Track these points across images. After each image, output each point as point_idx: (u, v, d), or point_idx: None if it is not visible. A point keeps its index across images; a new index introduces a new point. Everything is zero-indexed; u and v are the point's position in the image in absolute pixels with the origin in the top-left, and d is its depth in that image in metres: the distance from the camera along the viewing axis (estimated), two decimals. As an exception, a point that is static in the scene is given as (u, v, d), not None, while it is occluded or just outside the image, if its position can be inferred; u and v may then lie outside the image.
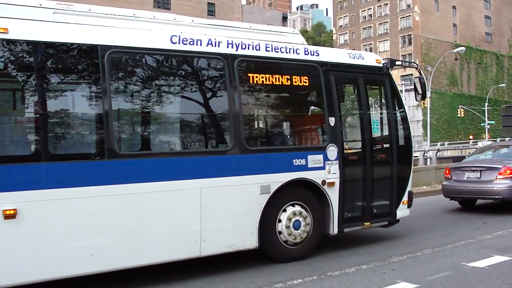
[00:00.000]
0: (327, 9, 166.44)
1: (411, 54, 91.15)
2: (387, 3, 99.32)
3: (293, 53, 8.64)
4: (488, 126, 71.31)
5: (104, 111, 6.77)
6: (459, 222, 11.99)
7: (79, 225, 6.46)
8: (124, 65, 7.35)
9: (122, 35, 7.18)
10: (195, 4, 63.97)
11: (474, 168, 13.91)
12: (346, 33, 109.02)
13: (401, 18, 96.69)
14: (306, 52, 8.80)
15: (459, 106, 77.45)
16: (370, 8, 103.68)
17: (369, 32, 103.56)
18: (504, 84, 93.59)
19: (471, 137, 75.51)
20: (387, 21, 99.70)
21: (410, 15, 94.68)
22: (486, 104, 75.37)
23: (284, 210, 8.27)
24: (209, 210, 7.42)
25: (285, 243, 8.26)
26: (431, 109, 71.49)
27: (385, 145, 9.92)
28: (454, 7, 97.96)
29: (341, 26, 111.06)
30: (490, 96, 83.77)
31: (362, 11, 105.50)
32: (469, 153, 31.44)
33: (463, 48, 58.10)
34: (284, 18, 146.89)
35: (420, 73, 10.58)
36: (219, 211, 7.55)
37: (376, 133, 9.87)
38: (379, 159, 9.73)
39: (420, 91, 10.17)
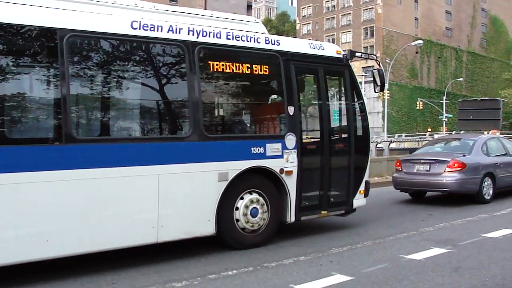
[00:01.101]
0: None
1: (373, 46, 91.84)
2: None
3: (254, 42, 8.66)
4: (446, 119, 72.44)
5: (62, 95, 6.67)
6: (406, 213, 12.10)
7: (35, 209, 6.38)
8: (83, 49, 7.23)
9: (81, 19, 7.04)
10: (157, -11, 63.06)
11: (423, 161, 14.23)
12: (310, 23, 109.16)
13: (364, 10, 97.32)
14: (267, 41, 8.84)
15: (418, 98, 78.37)
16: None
17: (332, 23, 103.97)
18: (462, 79, 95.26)
19: (429, 129, 76.60)
20: (350, 13, 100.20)
21: (372, 8, 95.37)
22: (444, 97, 76.54)
23: (242, 198, 8.32)
24: (167, 196, 7.41)
25: (243, 230, 8.32)
26: (391, 101, 72.38)
27: (343, 135, 10.05)
28: (416, 1, 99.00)
29: (304, 16, 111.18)
30: (448, 89, 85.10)
31: (326, 2, 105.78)
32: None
33: (421, 41, 58.83)
34: (249, 7, 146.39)
35: (379, 65, 10.68)
36: (177, 197, 7.55)
37: (334, 123, 10.08)
38: (337, 149, 9.85)
39: (379, 83, 10.36)
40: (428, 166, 13.99)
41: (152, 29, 7.57)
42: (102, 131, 7.44)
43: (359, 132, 10.07)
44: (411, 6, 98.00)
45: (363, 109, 10.22)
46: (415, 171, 14.26)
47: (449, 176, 13.52)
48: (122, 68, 7.64)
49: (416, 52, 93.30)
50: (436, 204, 13.76)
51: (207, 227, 7.86)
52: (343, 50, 10.04)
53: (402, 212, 12.38)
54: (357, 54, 10.24)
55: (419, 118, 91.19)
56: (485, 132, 41.85)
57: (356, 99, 10.06)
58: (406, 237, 9.28)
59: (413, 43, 57.35)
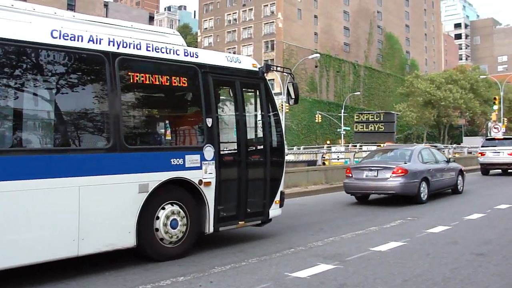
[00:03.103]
0: (195, 11, 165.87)
1: (273, 59, 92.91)
2: (252, 9, 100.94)
3: (173, 53, 8.75)
4: (344, 132, 74.09)
5: None
6: (296, 228, 11.70)
7: None
8: (0, 58, 6.93)
9: None
10: (53, -3, 61.13)
11: (372, 168, 16.20)
12: (211, 36, 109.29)
13: (265, 24, 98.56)
14: (186, 54, 8.97)
15: (317, 112, 79.84)
16: (235, 13, 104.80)
17: (233, 36, 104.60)
18: (359, 93, 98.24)
19: (328, 142, 78.09)
20: (251, 26, 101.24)
21: (273, 22, 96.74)
22: (343, 110, 78.36)
23: (162, 209, 8.36)
24: (88, 208, 7.29)
25: (163, 242, 8.35)
26: (291, 114, 73.26)
27: (259, 147, 10.24)
28: (315, 17, 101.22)
29: (206, 28, 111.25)
30: (346, 103, 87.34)
31: (228, 15, 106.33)
32: (323, 157, 32.57)
33: (318, 55, 60.12)
34: (151, 18, 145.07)
35: (293, 78, 10.96)
36: (97, 209, 7.45)
37: (251, 135, 10.26)
38: (254, 160, 10.04)
39: (293, 96, 10.71)
40: (376, 172, 15.94)
41: (72, 38, 7.48)
42: (20, 142, 7.14)
43: (275, 144, 10.36)
44: (310, 21, 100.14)
45: (278, 121, 10.54)
46: (364, 176, 16.13)
47: (394, 181, 15.55)
48: (41, 78, 7.40)
49: (316, 66, 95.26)
50: (328, 218, 13.56)
51: (127, 239, 7.81)
52: (259, 64, 10.27)
53: (292, 226, 11.89)
54: (272, 67, 10.58)
55: (318, 131, 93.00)
56: (382, 145, 43.16)
57: (271, 112, 10.31)
58: (294, 253, 8.99)
59: (310, 57, 58.32)
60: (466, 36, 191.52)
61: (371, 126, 45.50)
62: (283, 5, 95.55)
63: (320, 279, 7.14)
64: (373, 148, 41.93)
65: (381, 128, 44.99)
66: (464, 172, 20.12)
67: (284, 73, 11.46)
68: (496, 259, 8.37)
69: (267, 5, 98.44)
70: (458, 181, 19.13)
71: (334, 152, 43.41)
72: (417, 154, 16.92)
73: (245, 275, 7.44)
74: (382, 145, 43.41)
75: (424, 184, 16.24)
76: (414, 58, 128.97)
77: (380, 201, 17.13)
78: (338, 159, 38.27)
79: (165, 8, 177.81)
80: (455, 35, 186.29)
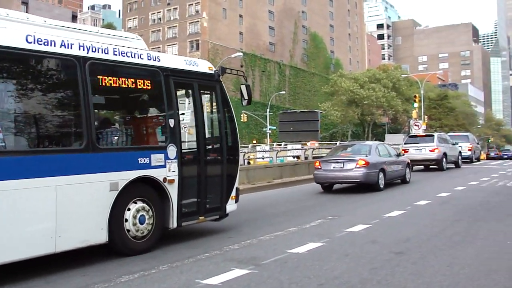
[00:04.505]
0: (120, 10, 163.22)
1: (198, 59, 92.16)
2: (177, 8, 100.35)
3: (138, 58, 9.16)
4: (270, 131, 74.28)
5: None
6: (213, 230, 11.10)
7: None
8: None
9: None
10: (-35, -7, 58.64)
11: (339, 160, 18.99)
12: (135, 35, 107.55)
13: (189, 23, 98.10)
14: (149, 58, 9.39)
15: (242, 111, 79.81)
16: (160, 12, 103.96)
17: (158, 36, 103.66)
18: (284, 92, 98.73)
19: (254, 141, 78.11)
20: (176, 26, 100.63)
21: (198, 21, 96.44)
22: (268, 110, 78.56)
23: (131, 206, 8.74)
24: (64, 206, 7.57)
25: (132, 237, 8.72)
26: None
27: (216, 146, 10.90)
28: (241, 16, 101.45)
29: (130, 28, 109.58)
30: (272, 102, 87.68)
31: (152, 14, 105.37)
32: (248, 157, 32.72)
33: (240, 54, 60.34)
34: (74, 17, 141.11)
35: (246, 80, 11.48)
36: (73, 207, 7.75)
37: (208, 135, 10.93)
38: (212, 158, 10.63)
39: (246, 97, 11.30)
40: (342, 164, 18.71)
41: (46, 43, 7.70)
42: (4, 145, 7.22)
43: (230, 143, 11.01)
44: (236, 20, 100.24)
45: (232, 121, 11.07)
46: (332, 168, 18.89)
47: (358, 171, 18.30)
48: (17, 82, 7.65)
49: (241, 66, 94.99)
50: (247, 219, 12.94)
51: (100, 236, 8.17)
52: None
53: (209, 228, 11.27)
54: (227, 70, 11.24)
55: (244, 130, 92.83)
56: (307, 143, 43.23)
57: (226, 112, 10.94)
58: (208, 257, 8.55)
59: (233, 55, 58.24)
60: (388, 36, 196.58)
61: (295, 125, 45.48)
62: (208, 5, 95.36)
63: (232, 286, 6.79)
64: (298, 146, 42.18)
65: (305, 127, 44.98)
66: (411, 165, 23.68)
67: (239, 75, 11.85)
68: (414, 257, 8.27)
69: (192, 4, 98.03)
70: (406, 172, 22.01)
71: (258, 152, 43.26)
72: (375, 149, 19.94)
73: (153, 284, 7.01)
74: (307, 143, 43.58)
75: (381, 174, 19.08)
76: (339, 58, 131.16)
77: (301, 201, 17.15)
78: (263, 158, 38.15)
79: (88, 7, 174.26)
80: (378, 35, 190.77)
